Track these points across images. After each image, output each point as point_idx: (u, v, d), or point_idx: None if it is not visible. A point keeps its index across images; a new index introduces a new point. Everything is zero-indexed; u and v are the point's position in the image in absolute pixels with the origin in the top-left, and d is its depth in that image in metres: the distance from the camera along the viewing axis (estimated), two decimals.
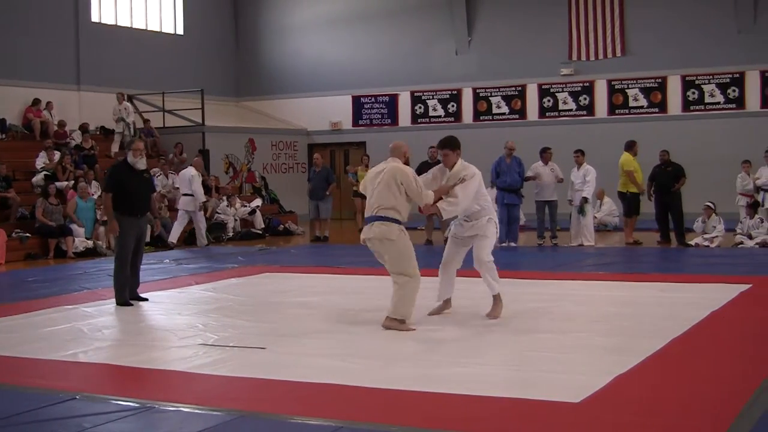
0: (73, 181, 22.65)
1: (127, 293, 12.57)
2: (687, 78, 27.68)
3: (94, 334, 10.33)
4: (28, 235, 20.52)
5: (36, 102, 26.36)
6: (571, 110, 29.10)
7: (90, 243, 20.49)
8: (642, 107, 28.26)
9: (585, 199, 19.95)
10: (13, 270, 18.22)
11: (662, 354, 8.52)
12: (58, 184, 22.35)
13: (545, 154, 20.50)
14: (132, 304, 12.40)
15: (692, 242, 19.48)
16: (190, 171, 22.31)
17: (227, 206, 25.16)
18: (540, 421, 6.43)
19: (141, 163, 12.73)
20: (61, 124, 26.25)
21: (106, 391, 7.54)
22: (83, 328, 10.71)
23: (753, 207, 20.03)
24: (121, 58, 29.47)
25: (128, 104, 27.30)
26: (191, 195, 21.93)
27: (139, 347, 9.46)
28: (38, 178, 23.07)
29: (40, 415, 6.83)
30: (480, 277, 10.82)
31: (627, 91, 28.41)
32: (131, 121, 27.25)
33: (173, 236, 22.18)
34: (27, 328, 10.80)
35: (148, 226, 13.63)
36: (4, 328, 10.82)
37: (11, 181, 22.34)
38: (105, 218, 15.47)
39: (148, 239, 19.63)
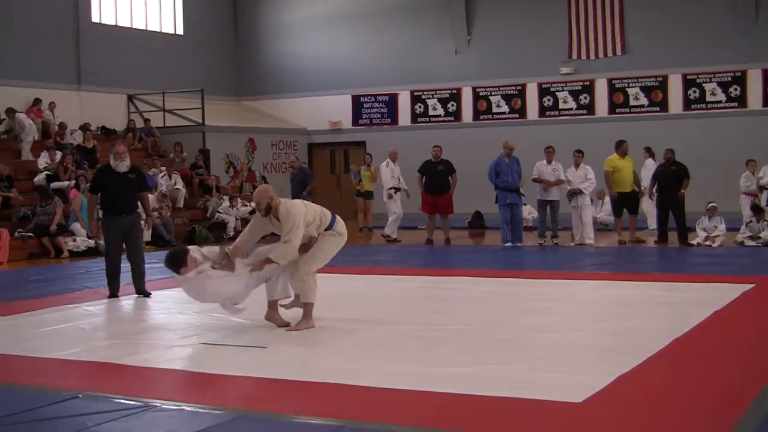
0: (74, 181, 22.68)
1: (117, 286, 13.10)
2: (688, 76, 27.64)
3: (96, 333, 10.37)
4: (30, 234, 20.55)
5: (36, 102, 26.36)
6: (571, 109, 29.07)
7: (91, 242, 20.47)
8: (643, 106, 28.22)
9: (579, 191, 19.90)
10: (16, 269, 18.25)
11: (665, 354, 8.49)
12: (58, 183, 22.43)
13: (548, 153, 20.47)
14: (118, 297, 12.86)
15: (694, 242, 19.44)
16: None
17: (229, 206, 25.16)
18: (542, 421, 6.41)
19: (122, 166, 13.07)
20: (62, 126, 26.24)
21: (108, 390, 7.52)
22: (84, 326, 10.75)
23: (756, 210, 19.90)
24: (121, 58, 29.47)
25: None
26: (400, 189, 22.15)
27: (140, 346, 9.48)
28: (40, 178, 23.07)
29: (41, 413, 6.83)
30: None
31: (627, 89, 28.38)
32: None
33: (389, 231, 22.42)
34: (29, 326, 10.82)
35: (142, 223, 13.83)
36: (7, 327, 10.85)
37: (13, 180, 22.34)
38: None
39: (148, 238, 19.68)
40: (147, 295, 13.04)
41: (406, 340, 9.35)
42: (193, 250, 10.06)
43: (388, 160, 22.82)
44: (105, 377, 8.25)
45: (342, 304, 11.88)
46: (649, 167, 21.81)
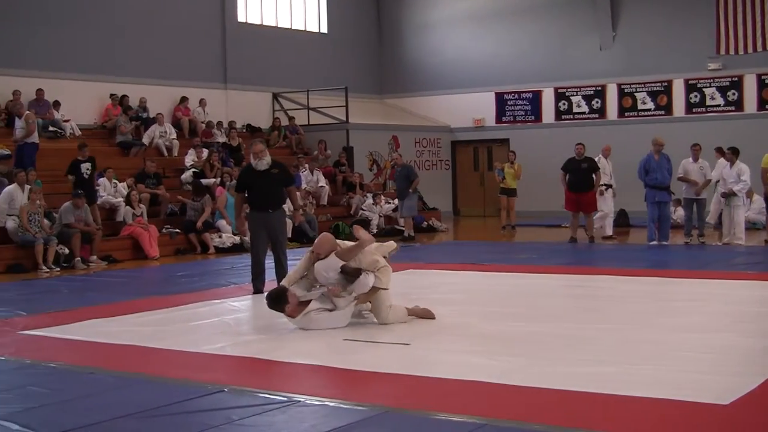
0: (219, 178, 23.08)
1: (261, 282, 13.29)
2: None
3: (241, 328, 10.56)
4: (177, 231, 20.99)
5: (183, 100, 26.93)
6: (718, 106, 28.45)
7: (236, 239, 20.79)
8: None
9: (732, 192, 19.45)
10: (164, 265, 18.70)
11: None
12: (204, 180, 22.85)
13: (694, 151, 20.10)
14: (263, 293, 12.81)
15: None
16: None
17: (373, 204, 25.32)
18: (687, 422, 6.31)
19: (261, 164, 13.27)
20: (209, 125, 26.77)
21: (253, 384, 7.64)
22: (230, 322, 10.96)
23: None
24: (266, 57, 29.94)
25: None
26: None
27: (284, 341, 9.59)
28: (187, 176, 23.56)
29: (189, 406, 6.98)
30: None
31: None
32: None
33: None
34: (176, 321, 11.07)
35: (288, 220, 14.01)
36: (156, 321, 11.10)
37: (161, 178, 22.83)
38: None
39: (289, 234, 19.91)
40: None
41: (549, 338, 9.29)
42: (294, 287, 10.34)
43: (600, 156, 22.30)
44: (250, 372, 8.40)
45: (486, 302, 11.90)
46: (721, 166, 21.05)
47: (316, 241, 10.44)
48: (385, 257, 10.46)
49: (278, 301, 10.14)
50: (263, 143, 13.85)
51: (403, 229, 24.24)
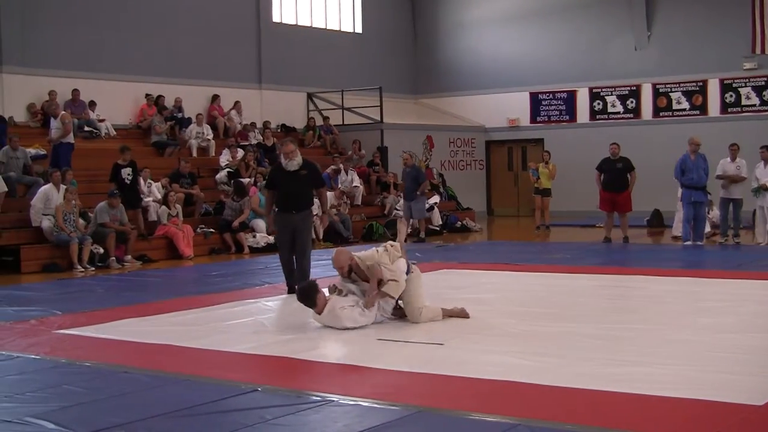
0: (253, 178, 23.11)
1: (294, 282, 13.04)
2: None
3: (274, 328, 10.57)
4: (211, 230, 21.05)
5: (215, 98, 26.99)
6: (754, 105, 28.27)
7: (271, 238, 20.81)
8: None
9: (765, 186, 19.27)
10: (198, 264, 18.76)
11: None
12: (238, 180, 22.90)
13: (732, 150, 19.98)
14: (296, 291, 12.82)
15: None
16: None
17: None
18: (721, 423, 6.26)
19: (291, 165, 13.17)
20: (246, 128, 26.83)
21: (286, 384, 7.67)
22: (264, 321, 10.97)
23: None
24: (301, 57, 29.99)
25: None
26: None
27: (317, 341, 9.61)
28: (221, 175, 23.62)
29: (223, 405, 7.00)
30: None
31: None
32: None
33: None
34: (211, 320, 11.10)
35: (317, 220, 13.92)
36: (190, 320, 11.15)
37: (196, 178, 22.89)
38: None
39: (321, 235, 19.94)
40: None
41: (583, 338, 9.25)
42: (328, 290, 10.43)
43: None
44: (284, 371, 8.41)
45: (519, 302, 11.88)
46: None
47: (333, 260, 10.40)
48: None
49: (308, 294, 10.16)
50: (294, 143, 13.76)
51: (437, 228, 24.21)
